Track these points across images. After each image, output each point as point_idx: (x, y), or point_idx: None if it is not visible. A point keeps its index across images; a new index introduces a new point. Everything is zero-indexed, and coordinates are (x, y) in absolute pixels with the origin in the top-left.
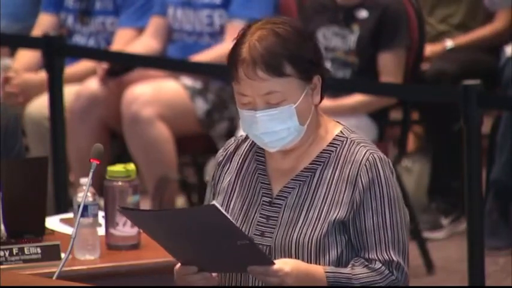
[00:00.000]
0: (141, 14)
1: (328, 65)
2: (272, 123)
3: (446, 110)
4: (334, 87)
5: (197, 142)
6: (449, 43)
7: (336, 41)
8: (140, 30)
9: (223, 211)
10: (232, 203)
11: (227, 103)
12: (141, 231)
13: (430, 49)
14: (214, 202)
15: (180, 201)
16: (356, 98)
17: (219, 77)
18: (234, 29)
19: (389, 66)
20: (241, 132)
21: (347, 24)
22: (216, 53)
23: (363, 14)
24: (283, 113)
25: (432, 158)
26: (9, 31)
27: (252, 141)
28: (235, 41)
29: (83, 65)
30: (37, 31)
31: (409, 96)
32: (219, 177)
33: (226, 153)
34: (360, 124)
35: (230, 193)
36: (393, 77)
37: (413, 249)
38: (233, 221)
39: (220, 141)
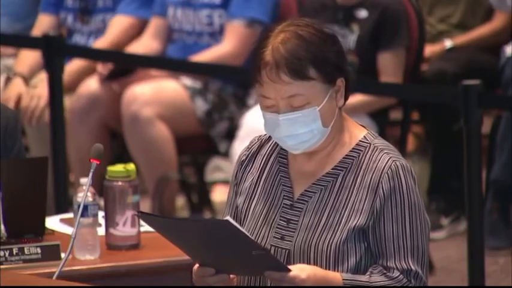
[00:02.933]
0: (139, 4)
1: None
2: (295, 126)
3: (446, 110)
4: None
5: (197, 142)
6: (448, 43)
7: None
8: (136, 19)
9: (237, 225)
10: (254, 204)
11: (227, 103)
12: (143, 230)
13: (429, 49)
14: (228, 218)
15: (180, 201)
16: (356, 98)
17: (219, 77)
18: (233, 29)
19: (389, 66)
20: (242, 132)
21: (347, 24)
22: (215, 53)
23: (363, 13)
24: (307, 116)
25: (432, 158)
26: (9, 31)
27: (275, 142)
28: (257, 44)
29: (75, 64)
30: (36, 31)
31: (409, 96)
32: (242, 177)
33: (250, 152)
34: None
35: (252, 194)
36: (393, 77)
37: None
38: (248, 234)
39: (220, 141)
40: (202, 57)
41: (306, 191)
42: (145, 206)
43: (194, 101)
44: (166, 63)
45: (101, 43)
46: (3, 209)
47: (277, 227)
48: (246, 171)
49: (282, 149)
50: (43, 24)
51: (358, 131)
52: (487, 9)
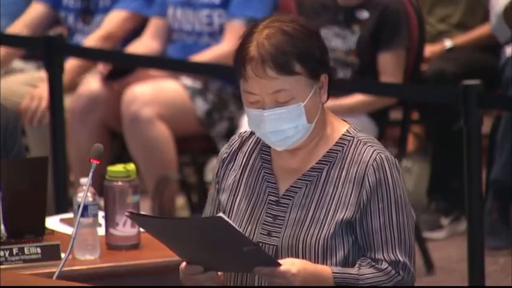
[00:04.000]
0: None
1: None
2: (280, 122)
3: (446, 110)
4: (334, 87)
5: (197, 142)
6: (448, 43)
7: (336, 41)
8: (131, 13)
9: (230, 222)
10: (238, 201)
11: (227, 103)
12: (143, 230)
13: (429, 49)
14: (220, 214)
15: (180, 201)
16: (356, 98)
17: (219, 77)
18: (233, 28)
19: (389, 66)
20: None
21: (347, 24)
22: (215, 52)
23: (363, 14)
24: (292, 112)
25: (432, 158)
26: (9, 31)
27: (257, 139)
28: (241, 39)
29: (70, 63)
30: (25, 17)
31: (409, 96)
32: (224, 175)
33: (231, 150)
34: (360, 124)
35: (235, 191)
36: (393, 77)
37: None
38: (239, 230)
39: (220, 141)
40: (202, 57)
41: (291, 186)
42: (145, 206)
43: (194, 101)
44: (166, 63)
45: (95, 36)
46: (3, 209)
47: (263, 224)
48: (228, 169)
49: (264, 145)
50: (35, 11)
51: (341, 125)
52: (487, 9)
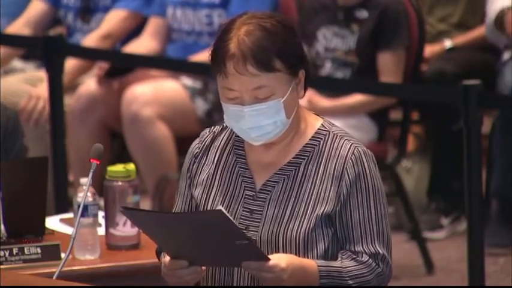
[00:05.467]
0: None
1: (328, 65)
2: (259, 117)
3: (446, 110)
4: (334, 87)
5: None
6: (448, 43)
7: (336, 41)
8: (130, 12)
9: (229, 215)
10: (212, 196)
11: None
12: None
13: (429, 49)
14: (220, 207)
15: None
16: (356, 98)
17: None
18: None
19: (389, 66)
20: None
21: (347, 24)
22: None
23: (363, 14)
24: (271, 108)
25: (432, 158)
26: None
27: (230, 134)
28: (219, 35)
29: (69, 62)
30: (26, 15)
31: (409, 96)
32: (197, 170)
33: (203, 145)
34: (359, 124)
35: (210, 186)
36: (393, 77)
37: (413, 249)
38: (236, 224)
39: None
40: (202, 56)
41: (268, 181)
42: (145, 206)
43: (194, 101)
44: (166, 63)
45: (94, 35)
46: (3, 209)
47: (240, 218)
48: (200, 164)
49: (237, 140)
50: (35, 8)
51: (315, 120)
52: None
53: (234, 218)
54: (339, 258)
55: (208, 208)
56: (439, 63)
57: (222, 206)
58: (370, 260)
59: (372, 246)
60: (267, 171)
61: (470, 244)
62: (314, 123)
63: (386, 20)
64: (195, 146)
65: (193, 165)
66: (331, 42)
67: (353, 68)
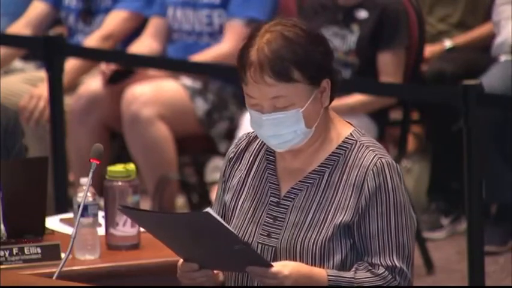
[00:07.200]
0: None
1: None
2: (278, 127)
3: (446, 110)
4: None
5: (197, 142)
6: (448, 43)
7: (335, 41)
8: (131, 12)
9: (218, 217)
10: (241, 201)
11: (227, 103)
12: (143, 230)
13: (429, 49)
14: (208, 209)
15: (180, 201)
16: (356, 98)
17: (219, 77)
18: (233, 28)
19: (389, 66)
20: (242, 132)
21: (347, 24)
22: (215, 52)
23: (363, 14)
24: (290, 118)
25: (432, 158)
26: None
27: None
28: (244, 42)
29: (70, 63)
30: (27, 16)
31: (409, 96)
32: (230, 174)
33: (238, 150)
34: (359, 124)
35: (240, 191)
36: (393, 77)
37: None
38: (228, 227)
39: (220, 141)
40: (202, 57)
41: (292, 188)
42: (145, 206)
43: (194, 101)
44: (166, 63)
45: (95, 36)
46: (3, 209)
47: (263, 225)
48: (234, 168)
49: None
50: (36, 9)
51: (345, 128)
52: (487, 9)
53: (258, 225)
54: (354, 269)
55: (236, 214)
56: (439, 63)
57: (249, 212)
58: (386, 272)
59: (389, 259)
60: (293, 178)
61: (470, 244)
62: (344, 131)
63: (386, 20)
64: (230, 151)
65: (227, 169)
66: (331, 43)
67: (353, 68)
